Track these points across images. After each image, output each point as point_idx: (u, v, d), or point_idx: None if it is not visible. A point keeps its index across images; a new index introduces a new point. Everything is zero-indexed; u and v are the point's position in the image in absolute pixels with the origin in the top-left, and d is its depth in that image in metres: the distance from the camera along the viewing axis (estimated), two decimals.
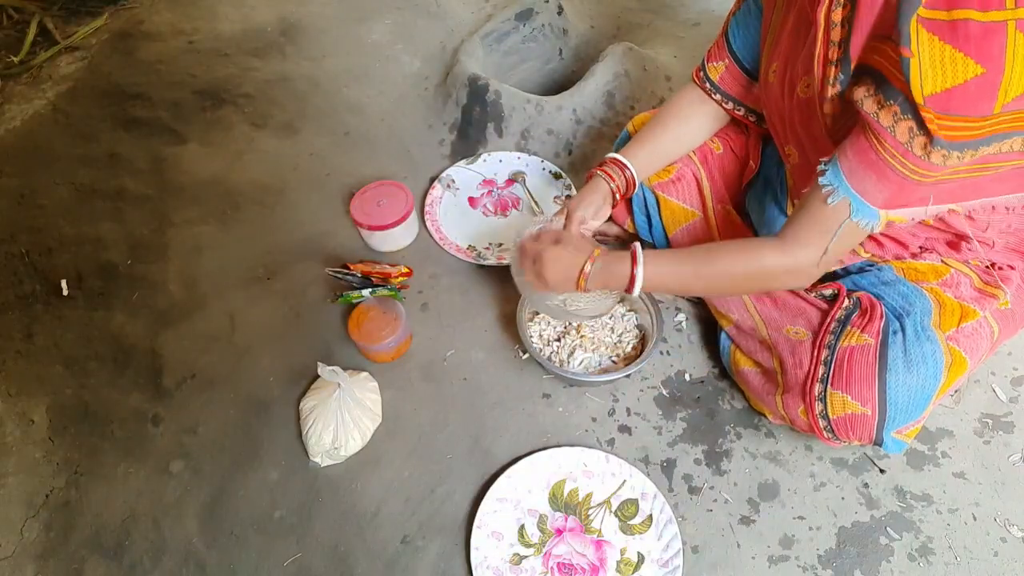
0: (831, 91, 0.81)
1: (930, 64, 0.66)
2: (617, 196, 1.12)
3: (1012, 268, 0.97)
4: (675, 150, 1.16)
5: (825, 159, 0.81)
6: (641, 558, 1.01)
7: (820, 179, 0.80)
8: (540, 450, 1.11)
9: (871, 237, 1.02)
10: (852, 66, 0.77)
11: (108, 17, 2.11)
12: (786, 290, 1.09)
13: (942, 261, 0.98)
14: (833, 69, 0.80)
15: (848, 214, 0.79)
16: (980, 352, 0.95)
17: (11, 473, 1.15)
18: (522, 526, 1.04)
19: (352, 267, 1.31)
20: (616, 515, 1.05)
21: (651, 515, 1.04)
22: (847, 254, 0.98)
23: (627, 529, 1.03)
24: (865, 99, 0.74)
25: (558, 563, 1.01)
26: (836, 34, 0.78)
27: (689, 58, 1.74)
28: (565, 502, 1.07)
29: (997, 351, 1.13)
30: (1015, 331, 1.00)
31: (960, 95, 0.66)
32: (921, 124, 0.69)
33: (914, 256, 0.99)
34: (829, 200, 0.79)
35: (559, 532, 1.04)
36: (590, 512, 1.05)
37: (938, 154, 0.70)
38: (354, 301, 1.25)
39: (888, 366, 0.88)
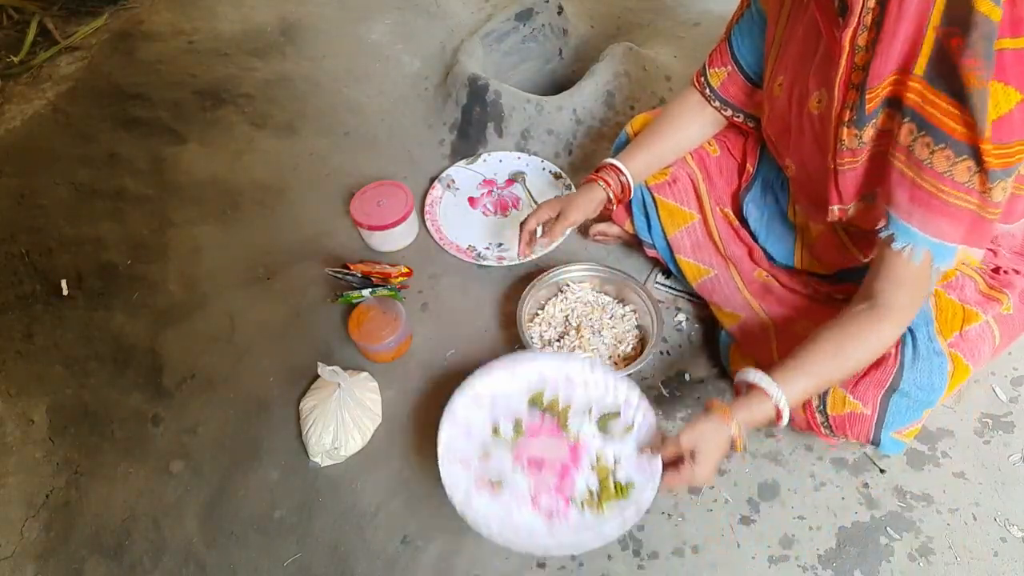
0: (849, 115, 0.81)
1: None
2: (614, 202, 1.13)
3: (1018, 272, 0.97)
4: (672, 155, 1.16)
5: (882, 224, 0.80)
6: (617, 460, 0.95)
7: (893, 245, 0.79)
8: (521, 357, 1.05)
9: (870, 242, 1.02)
10: (875, 95, 0.77)
11: (108, 17, 2.11)
12: (790, 289, 1.09)
13: None
14: (854, 93, 0.80)
15: (931, 262, 0.79)
16: (983, 358, 0.95)
17: (11, 473, 1.15)
18: (497, 424, 1.00)
19: (352, 267, 1.31)
20: (596, 423, 1.00)
21: (633, 423, 0.98)
22: None
23: (606, 435, 0.98)
24: (914, 144, 0.74)
25: (529, 459, 0.97)
26: (860, 58, 0.78)
27: (689, 58, 1.73)
28: (544, 408, 1.02)
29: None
30: (1015, 337, 1.00)
31: (1007, 124, 0.67)
32: (979, 161, 0.70)
33: None
34: (913, 258, 0.79)
35: (534, 431, 1.00)
36: (569, 419, 1.00)
37: (999, 188, 0.71)
38: (354, 301, 1.25)
39: (903, 376, 0.88)
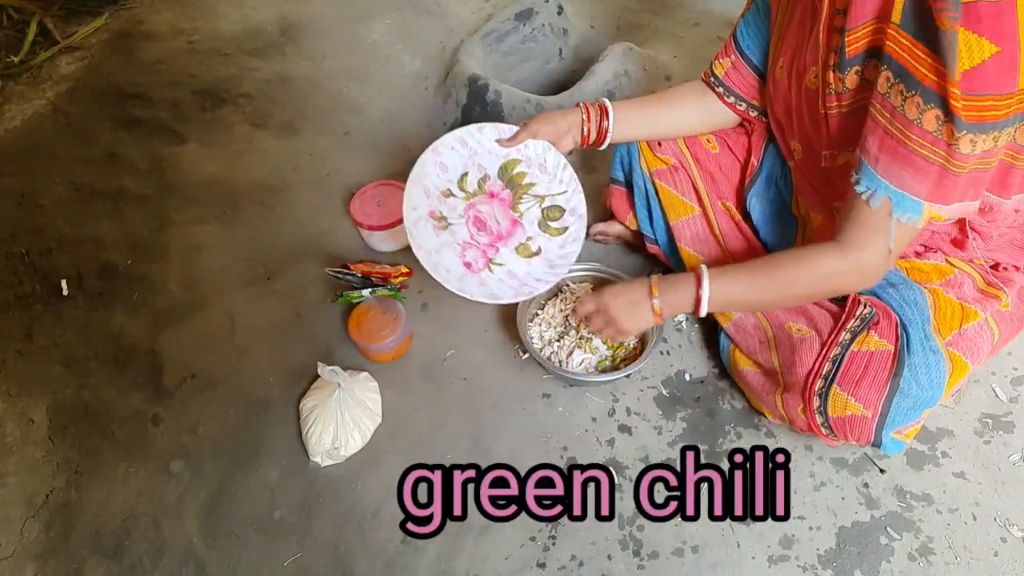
0: (833, 59, 0.82)
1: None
2: (585, 133, 1.11)
3: (1017, 269, 0.97)
4: (664, 128, 1.15)
5: (855, 169, 0.81)
6: (539, 250, 1.15)
7: (856, 187, 0.81)
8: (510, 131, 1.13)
9: None
10: (855, 38, 0.78)
11: (108, 17, 2.11)
12: None
13: (946, 260, 0.98)
14: (837, 37, 0.81)
15: (891, 211, 0.79)
16: (981, 355, 0.95)
17: (11, 473, 1.15)
18: (466, 173, 1.14)
19: (352, 267, 1.31)
20: (542, 211, 1.16)
21: (567, 228, 1.15)
22: (910, 247, 0.98)
23: (544, 226, 1.16)
24: (890, 91, 0.75)
25: (476, 216, 1.14)
26: (841, 2, 0.80)
27: (689, 58, 1.74)
28: (510, 177, 1.15)
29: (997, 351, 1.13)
30: (1014, 334, 1.00)
31: (981, 75, 0.67)
32: (947, 111, 0.70)
33: (918, 255, 0.99)
34: (871, 203, 0.80)
35: (492, 195, 1.15)
36: (524, 197, 1.16)
37: (966, 140, 0.71)
38: (354, 301, 1.25)
39: (903, 374, 0.88)
